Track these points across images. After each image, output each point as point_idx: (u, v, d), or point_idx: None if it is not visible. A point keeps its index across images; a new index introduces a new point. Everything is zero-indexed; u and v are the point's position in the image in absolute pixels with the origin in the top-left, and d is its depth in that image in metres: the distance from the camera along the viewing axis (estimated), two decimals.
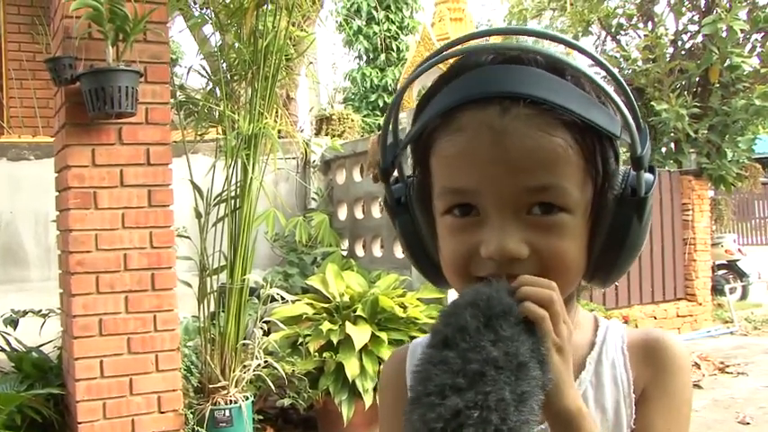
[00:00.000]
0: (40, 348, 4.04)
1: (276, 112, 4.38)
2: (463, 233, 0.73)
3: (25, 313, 4.14)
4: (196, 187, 3.98)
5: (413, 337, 4.28)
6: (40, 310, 4.14)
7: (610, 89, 0.71)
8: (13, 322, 4.12)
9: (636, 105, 0.71)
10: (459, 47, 0.74)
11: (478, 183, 0.70)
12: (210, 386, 3.84)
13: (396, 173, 0.82)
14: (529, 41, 0.88)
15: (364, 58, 13.60)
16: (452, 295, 0.71)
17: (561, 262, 0.71)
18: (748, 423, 4.90)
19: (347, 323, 4.36)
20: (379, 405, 0.94)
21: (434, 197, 0.77)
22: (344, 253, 6.52)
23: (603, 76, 0.73)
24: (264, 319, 4.28)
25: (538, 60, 0.72)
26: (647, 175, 0.74)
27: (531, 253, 0.70)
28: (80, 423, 3.33)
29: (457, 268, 0.75)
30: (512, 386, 0.56)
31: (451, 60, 0.77)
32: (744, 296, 9.60)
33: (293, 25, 4.33)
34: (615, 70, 0.73)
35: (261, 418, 4.17)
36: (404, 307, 4.63)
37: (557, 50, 0.73)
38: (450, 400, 0.55)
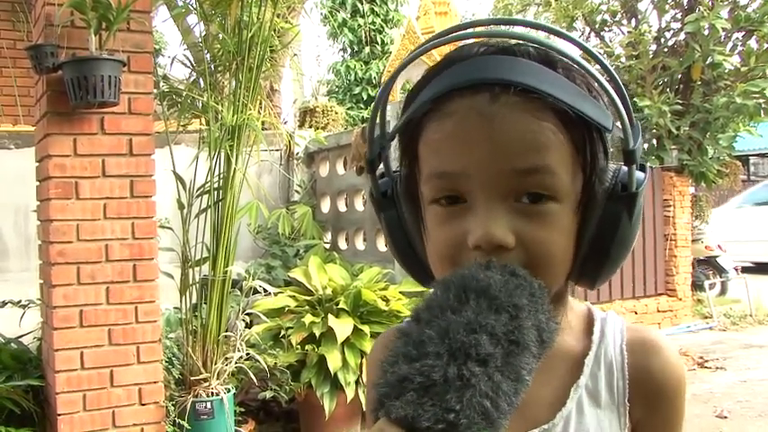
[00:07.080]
0: (20, 339, 4.00)
1: (260, 104, 4.36)
2: (450, 222, 0.71)
3: (4, 304, 4.10)
4: (179, 178, 3.96)
5: None
6: (20, 301, 4.10)
7: (603, 80, 0.70)
8: None
9: (628, 100, 0.71)
10: (452, 35, 0.73)
11: (466, 165, 0.69)
12: (192, 378, 3.83)
13: (382, 167, 0.81)
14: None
15: (348, 50, 13.57)
16: None
17: (548, 253, 0.69)
18: (726, 417, 4.97)
19: (330, 316, 4.35)
20: (366, 383, 0.94)
21: (421, 184, 0.75)
22: (327, 246, 6.52)
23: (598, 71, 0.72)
24: (247, 312, 4.27)
25: (530, 53, 0.71)
26: (639, 173, 0.73)
27: (517, 243, 0.68)
28: (60, 415, 3.30)
29: (443, 260, 0.73)
30: (465, 357, 0.56)
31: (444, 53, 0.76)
32: (723, 292, 9.69)
33: (278, 16, 4.30)
34: (607, 62, 0.73)
35: (242, 410, 4.16)
36: (386, 300, 4.63)
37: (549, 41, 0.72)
38: (398, 367, 0.56)
